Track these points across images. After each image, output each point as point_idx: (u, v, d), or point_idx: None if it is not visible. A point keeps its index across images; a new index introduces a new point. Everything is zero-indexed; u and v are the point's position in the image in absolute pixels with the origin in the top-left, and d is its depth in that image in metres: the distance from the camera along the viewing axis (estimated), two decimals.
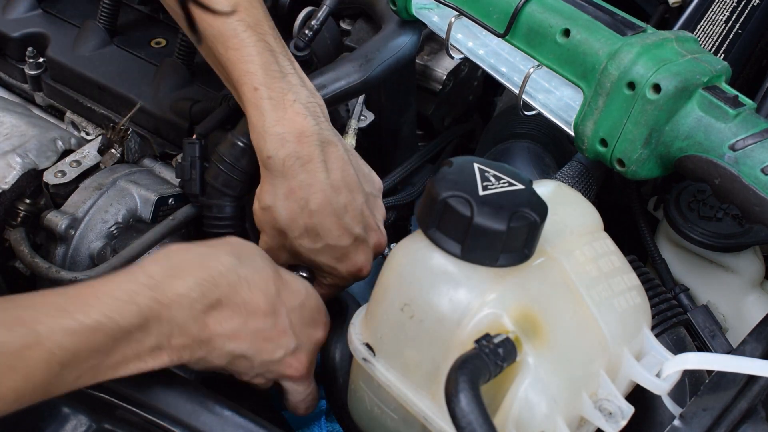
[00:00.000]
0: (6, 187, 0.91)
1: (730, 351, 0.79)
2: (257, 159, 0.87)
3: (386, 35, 0.98)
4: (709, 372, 0.72)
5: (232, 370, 0.74)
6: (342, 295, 0.90)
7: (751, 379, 0.70)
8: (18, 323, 0.59)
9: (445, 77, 1.18)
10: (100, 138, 1.00)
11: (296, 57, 0.99)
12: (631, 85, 0.75)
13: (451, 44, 0.91)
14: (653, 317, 0.75)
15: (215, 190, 0.91)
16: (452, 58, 0.93)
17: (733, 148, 0.72)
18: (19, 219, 0.92)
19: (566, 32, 0.79)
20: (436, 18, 0.93)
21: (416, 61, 1.16)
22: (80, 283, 0.77)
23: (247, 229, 0.96)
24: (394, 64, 0.98)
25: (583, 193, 0.81)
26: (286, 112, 0.78)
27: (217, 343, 0.70)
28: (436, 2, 0.91)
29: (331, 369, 0.83)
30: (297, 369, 0.76)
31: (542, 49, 0.81)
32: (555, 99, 0.82)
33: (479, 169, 0.63)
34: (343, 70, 0.94)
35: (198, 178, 0.93)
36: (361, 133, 1.09)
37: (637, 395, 0.70)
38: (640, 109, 0.75)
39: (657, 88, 0.74)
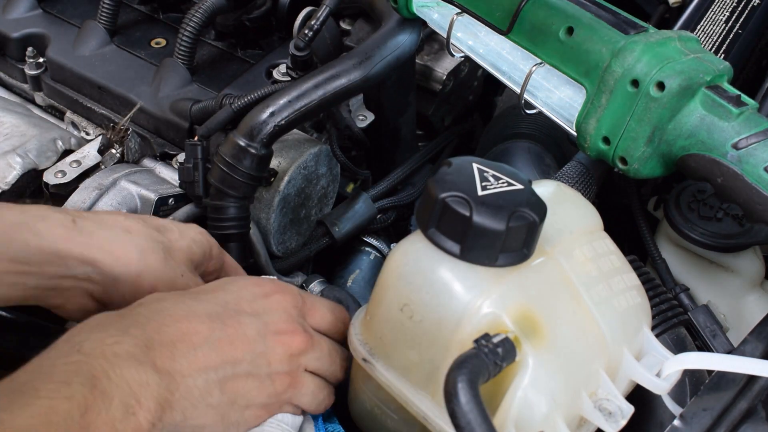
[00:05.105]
0: (6, 187, 0.91)
1: (731, 351, 0.79)
2: (259, 160, 0.88)
3: (386, 33, 0.98)
4: (710, 372, 0.72)
5: None
6: (342, 296, 0.90)
7: (751, 379, 0.70)
8: None
9: (445, 77, 1.18)
10: (100, 138, 1.00)
11: (296, 57, 0.99)
12: (635, 83, 0.74)
13: (452, 42, 0.91)
14: (654, 317, 0.75)
15: (219, 192, 0.91)
16: (453, 56, 0.93)
17: (736, 146, 0.72)
18: None
19: (569, 30, 0.79)
20: (437, 15, 0.93)
21: (416, 61, 1.16)
22: None
23: (251, 234, 0.96)
24: (395, 61, 0.97)
25: (583, 193, 0.81)
26: None
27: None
28: (437, 0, 0.91)
29: None
30: None
31: (545, 47, 0.81)
32: (556, 98, 0.82)
33: (478, 169, 0.63)
34: (343, 68, 0.94)
35: (201, 180, 0.93)
36: (361, 132, 1.10)
37: (637, 395, 0.70)
38: (644, 106, 0.74)
39: (661, 85, 0.73)
